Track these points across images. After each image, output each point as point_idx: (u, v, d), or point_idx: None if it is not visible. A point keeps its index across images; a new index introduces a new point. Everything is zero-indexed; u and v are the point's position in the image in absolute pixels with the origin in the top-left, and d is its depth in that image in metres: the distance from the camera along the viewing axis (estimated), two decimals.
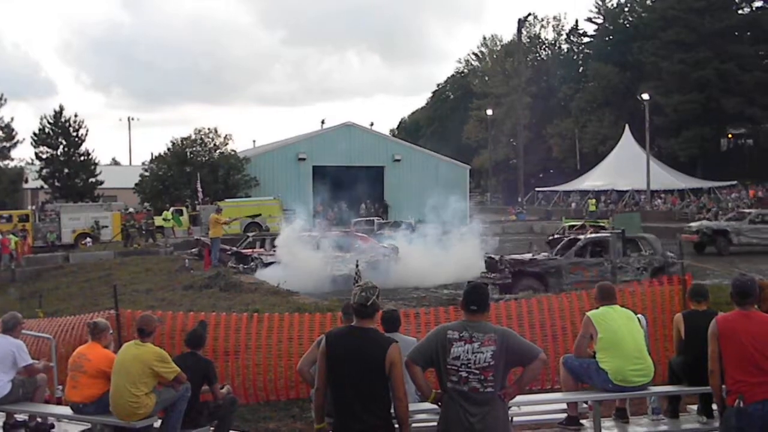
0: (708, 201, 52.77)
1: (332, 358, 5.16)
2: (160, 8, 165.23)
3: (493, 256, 20.96)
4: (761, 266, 25.61)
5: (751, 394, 5.41)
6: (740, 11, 66.42)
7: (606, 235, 21.25)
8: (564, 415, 7.32)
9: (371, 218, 40.22)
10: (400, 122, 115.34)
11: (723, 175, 59.32)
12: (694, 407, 7.45)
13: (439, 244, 26.05)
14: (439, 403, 5.27)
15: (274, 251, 25.59)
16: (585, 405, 7.38)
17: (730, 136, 70.45)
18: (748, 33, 64.44)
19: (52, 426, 8.34)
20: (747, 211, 35.59)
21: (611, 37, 76.85)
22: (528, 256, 21.28)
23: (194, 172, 47.09)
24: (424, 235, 27.54)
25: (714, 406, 6.31)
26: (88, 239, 39.73)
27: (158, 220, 40.93)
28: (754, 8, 65.98)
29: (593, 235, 22.30)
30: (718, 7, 62.45)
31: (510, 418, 5.72)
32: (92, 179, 54.73)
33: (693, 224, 33.69)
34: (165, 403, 7.28)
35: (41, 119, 54.48)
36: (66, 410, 7.76)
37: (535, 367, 5.23)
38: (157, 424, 7.42)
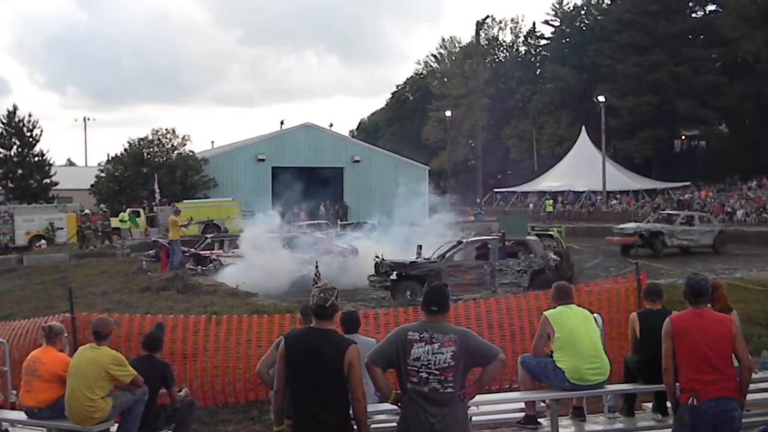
0: (662, 201, 53.58)
1: (291, 360, 5.16)
2: (116, 6, 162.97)
3: (378, 259, 20.92)
4: (715, 265, 26.09)
5: (704, 392, 5.52)
6: (694, 15, 67.66)
7: (488, 239, 21.42)
8: (522, 414, 7.38)
9: (321, 221, 40.10)
10: (360, 123, 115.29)
11: (676, 176, 60.31)
12: (650, 405, 7.56)
13: (400, 244, 26.03)
14: (399, 404, 5.28)
15: (233, 252, 25.45)
16: (543, 404, 7.45)
17: (683, 137, 71.63)
18: (702, 36, 65.62)
19: (6, 431, 8.20)
20: (674, 213, 35.86)
21: (568, 39, 77.70)
22: (411, 258, 21.36)
23: (151, 173, 46.62)
24: (384, 235, 27.52)
25: (668, 404, 6.40)
26: (43, 241, 39.05)
27: (115, 222, 40.43)
28: (707, 12, 67.25)
29: (476, 238, 22.39)
30: (673, 10, 63.53)
31: (469, 418, 5.76)
32: (47, 180, 53.72)
33: (626, 225, 33.65)
34: (122, 407, 7.21)
35: None
36: (20, 415, 7.64)
37: (494, 367, 5.28)
38: (114, 428, 7.34)
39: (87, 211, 41.73)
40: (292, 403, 5.22)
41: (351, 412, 5.18)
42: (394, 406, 5.39)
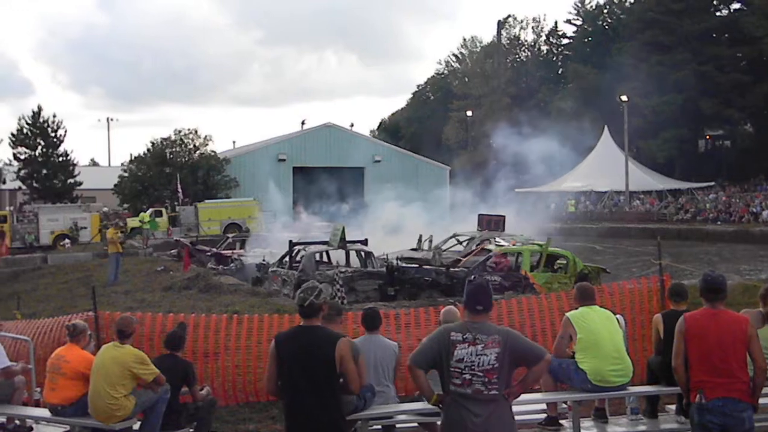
0: (686, 202, 53.17)
1: (284, 359, 5.30)
2: (137, 8, 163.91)
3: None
4: (739, 266, 25.84)
5: (712, 391, 5.44)
6: (718, 13, 66.90)
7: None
8: (543, 416, 7.35)
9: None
10: (380, 123, 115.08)
11: (701, 176, 59.65)
12: (673, 407, 7.49)
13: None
14: (441, 405, 5.15)
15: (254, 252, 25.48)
16: (564, 405, 7.42)
17: (707, 137, 70.91)
18: (726, 35, 64.89)
19: (31, 428, 8.28)
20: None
21: (590, 38, 77.21)
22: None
23: (174, 173, 46.92)
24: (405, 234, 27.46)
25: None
26: (67, 240, 39.41)
27: (133, 222, 40.67)
28: (731, 10, 66.49)
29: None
30: (696, 9, 62.84)
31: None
32: (71, 180, 54.20)
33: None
34: (144, 405, 7.25)
35: (19, 120, 54.07)
36: (44, 412, 7.71)
37: (539, 368, 5.10)
38: (137, 426, 7.39)
39: (109, 209, 42.07)
40: (287, 401, 5.33)
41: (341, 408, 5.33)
42: (416, 406, 5.38)
